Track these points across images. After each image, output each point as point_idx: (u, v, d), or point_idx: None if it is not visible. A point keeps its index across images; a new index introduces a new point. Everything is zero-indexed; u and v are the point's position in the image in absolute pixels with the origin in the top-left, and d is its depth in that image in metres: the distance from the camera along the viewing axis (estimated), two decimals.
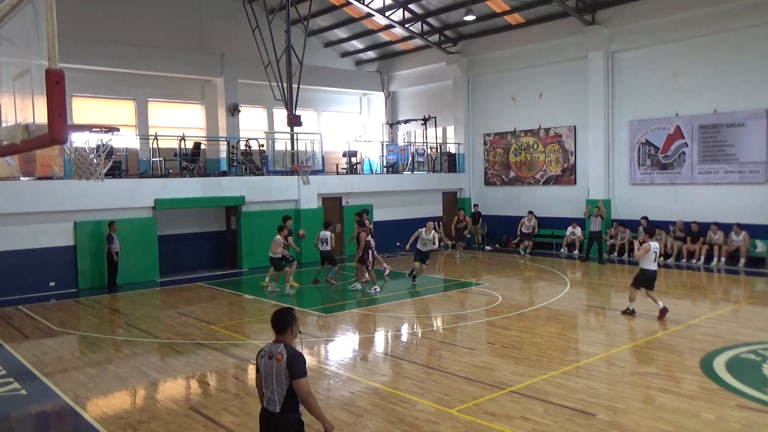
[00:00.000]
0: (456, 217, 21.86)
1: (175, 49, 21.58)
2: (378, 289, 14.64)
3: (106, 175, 15.54)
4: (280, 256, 15.11)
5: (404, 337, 11.13)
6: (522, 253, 21.02)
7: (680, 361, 8.78)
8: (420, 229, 15.70)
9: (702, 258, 17.60)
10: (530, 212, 21.43)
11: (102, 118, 19.94)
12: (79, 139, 10.11)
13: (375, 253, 15.35)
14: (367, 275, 15.16)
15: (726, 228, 17.46)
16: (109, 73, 20.24)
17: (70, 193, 15.56)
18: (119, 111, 21.31)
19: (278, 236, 14.98)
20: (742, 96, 17.43)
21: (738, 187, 17.67)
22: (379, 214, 22.32)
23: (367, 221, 16.33)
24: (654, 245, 11.46)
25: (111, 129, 9.48)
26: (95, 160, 9.27)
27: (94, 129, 9.53)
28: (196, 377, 8.90)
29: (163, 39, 21.51)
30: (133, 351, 10.26)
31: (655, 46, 19.19)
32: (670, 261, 18.05)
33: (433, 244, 15.55)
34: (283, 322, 4.70)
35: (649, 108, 19.44)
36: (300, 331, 4.85)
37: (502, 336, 10.46)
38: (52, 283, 15.71)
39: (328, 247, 15.98)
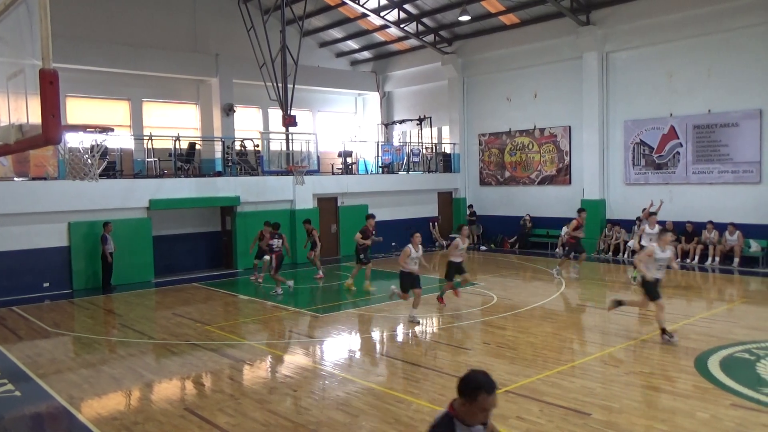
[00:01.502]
0: (575, 221, 16.03)
1: (170, 49, 21.53)
2: (281, 292, 14.66)
3: (101, 175, 15.50)
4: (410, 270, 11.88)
5: (400, 337, 11.12)
6: (631, 280, 14.93)
7: (675, 361, 8.80)
8: (652, 245, 10.48)
9: (696, 258, 17.67)
10: (648, 212, 15.84)
11: (96, 118, 19.88)
12: (73, 140, 10.06)
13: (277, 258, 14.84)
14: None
15: (720, 228, 17.52)
16: (103, 73, 20.17)
17: (65, 193, 15.51)
18: (114, 111, 21.25)
19: (409, 246, 11.69)
20: (736, 96, 17.49)
21: (732, 187, 17.74)
22: (375, 215, 22.29)
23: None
24: None
25: (105, 129, 9.43)
26: (89, 161, 9.23)
27: (88, 129, 9.47)
28: (191, 378, 8.87)
29: (158, 39, 21.45)
30: (128, 352, 10.22)
31: (649, 47, 19.24)
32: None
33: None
34: (464, 383, 3.36)
35: (644, 108, 19.49)
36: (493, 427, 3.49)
37: (497, 336, 10.47)
38: (46, 284, 15.66)
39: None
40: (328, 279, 17.34)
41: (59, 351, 10.47)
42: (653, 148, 19.33)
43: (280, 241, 14.85)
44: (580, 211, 16.43)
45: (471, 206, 24.39)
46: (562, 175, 21.91)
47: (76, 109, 20.15)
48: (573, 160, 21.53)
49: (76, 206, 15.81)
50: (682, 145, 18.69)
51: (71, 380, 8.66)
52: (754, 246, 17.05)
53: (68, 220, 15.90)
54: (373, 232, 15.16)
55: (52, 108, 3.31)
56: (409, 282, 11.54)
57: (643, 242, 14.45)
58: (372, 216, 15.42)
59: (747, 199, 17.44)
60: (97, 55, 19.53)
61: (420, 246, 11.74)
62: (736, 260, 16.95)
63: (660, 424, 6.50)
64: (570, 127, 21.54)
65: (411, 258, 11.48)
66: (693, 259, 17.72)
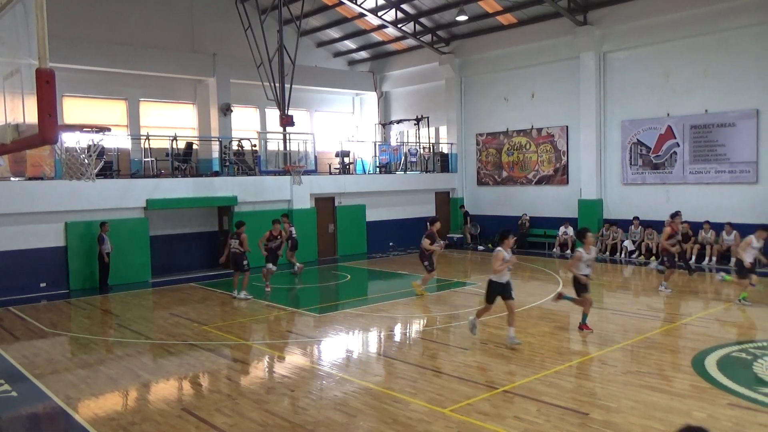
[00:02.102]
0: (669, 228, 13.93)
1: (167, 48, 21.50)
2: (236, 295, 14.33)
3: (98, 175, 15.45)
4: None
5: (397, 337, 11.12)
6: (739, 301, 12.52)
7: (672, 360, 8.82)
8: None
9: (693, 257, 17.68)
10: (763, 228, 13.14)
11: (93, 118, 19.85)
12: (69, 139, 10.05)
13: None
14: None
15: (717, 228, 17.55)
16: (100, 72, 20.14)
17: (61, 193, 15.48)
18: (111, 111, 21.20)
19: (499, 249, 9.81)
20: (733, 96, 17.53)
21: (729, 186, 17.78)
22: (372, 215, 22.34)
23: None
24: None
25: (102, 129, 9.42)
26: (86, 161, 9.21)
27: (84, 129, 9.46)
28: (189, 378, 8.86)
29: (155, 39, 21.42)
30: (125, 352, 10.20)
31: (646, 47, 19.27)
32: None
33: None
34: None
35: (641, 108, 19.52)
36: None
37: (495, 336, 10.47)
38: (42, 284, 15.62)
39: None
40: (325, 279, 17.36)
41: (56, 351, 10.44)
42: (650, 148, 19.36)
43: (237, 241, 14.40)
44: (673, 215, 14.05)
45: (462, 206, 24.33)
46: (560, 175, 21.92)
47: (73, 108, 20.11)
48: (570, 160, 21.56)
49: (72, 206, 15.77)
50: (679, 145, 18.72)
51: (68, 380, 8.64)
52: None
53: (65, 220, 15.86)
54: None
55: (48, 107, 3.30)
56: (499, 291, 9.82)
57: (747, 257, 12.60)
58: (436, 219, 14.67)
59: (744, 198, 17.47)
60: (94, 55, 19.50)
61: (510, 249, 9.86)
62: (734, 260, 16.95)
63: (657, 424, 6.51)
64: (567, 127, 21.56)
65: (504, 262, 9.66)
66: (690, 259, 17.73)
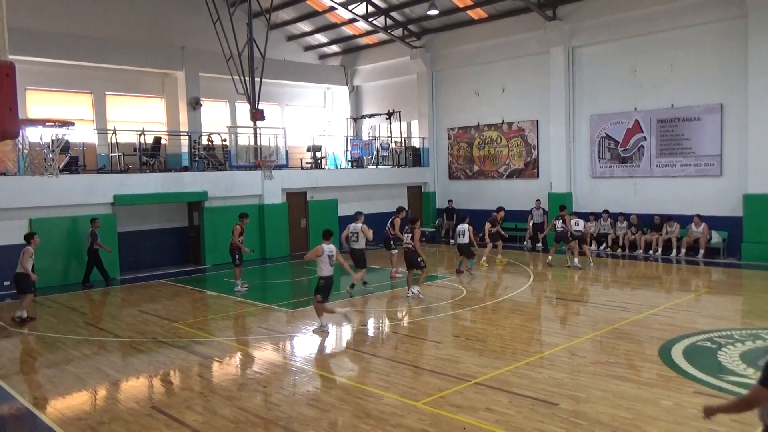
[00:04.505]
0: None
1: (134, 41, 21.05)
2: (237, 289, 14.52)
3: (63, 170, 15.13)
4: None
5: (370, 332, 11.13)
6: None
7: (640, 350, 8.99)
8: None
9: (660, 249, 18.04)
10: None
11: (58, 111, 19.38)
12: (33, 134, 9.82)
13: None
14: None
15: (682, 220, 17.94)
16: (65, 65, 19.62)
17: (25, 189, 15.12)
18: (76, 104, 20.71)
19: None
20: (698, 91, 17.89)
21: (694, 179, 18.15)
22: (344, 209, 22.26)
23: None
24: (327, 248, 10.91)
25: (65, 123, 9.22)
26: (49, 155, 9.00)
27: (47, 124, 9.24)
28: (159, 376, 8.74)
29: (121, 31, 20.96)
30: (93, 351, 10.03)
31: (614, 42, 19.54)
32: (640, 252, 18.44)
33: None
34: None
35: (609, 102, 19.81)
36: None
37: (466, 328, 10.55)
38: (6, 283, 15.23)
39: (465, 240, 15.83)
40: (298, 274, 17.25)
41: (21, 351, 10.22)
42: (618, 142, 19.66)
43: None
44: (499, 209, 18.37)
45: (451, 201, 24.21)
46: (530, 168, 22.14)
47: (38, 102, 19.60)
48: (540, 154, 21.78)
49: (37, 202, 15.43)
50: (646, 139, 19.04)
51: (34, 380, 8.47)
52: (716, 237, 17.48)
53: (29, 216, 15.50)
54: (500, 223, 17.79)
55: (8, 101, 3.22)
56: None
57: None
58: (502, 208, 18.26)
59: (708, 191, 17.86)
60: (58, 47, 18.99)
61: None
62: (701, 251, 17.35)
63: (624, 413, 6.63)
64: (537, 121, 21.77)
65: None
66: (656, 251, 18.10)
